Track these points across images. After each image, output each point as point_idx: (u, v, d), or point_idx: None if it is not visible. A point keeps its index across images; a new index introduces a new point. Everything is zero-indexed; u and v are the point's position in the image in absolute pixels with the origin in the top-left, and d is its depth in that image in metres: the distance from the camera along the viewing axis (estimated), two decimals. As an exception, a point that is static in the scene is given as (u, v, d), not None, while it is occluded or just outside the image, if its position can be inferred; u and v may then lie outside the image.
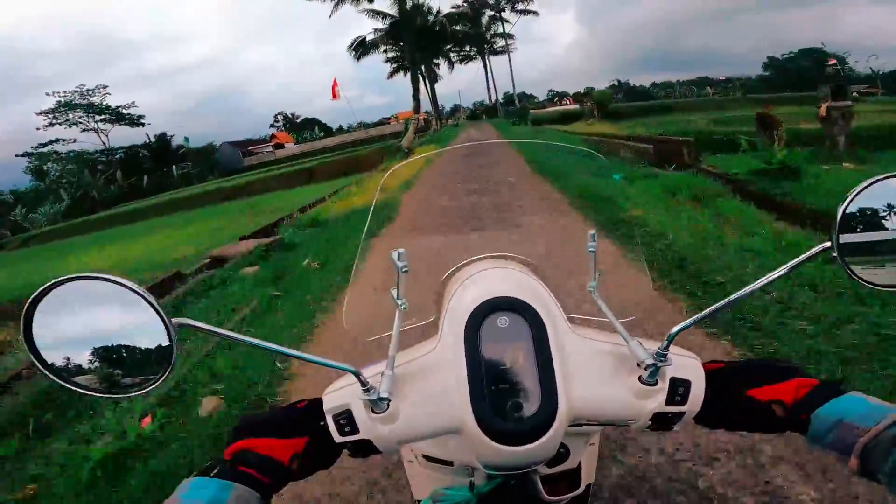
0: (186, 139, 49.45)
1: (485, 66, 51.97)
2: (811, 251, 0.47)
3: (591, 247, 0.74)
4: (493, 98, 54.14)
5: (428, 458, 0.69)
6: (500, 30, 45.45)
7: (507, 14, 43.46)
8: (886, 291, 0.48)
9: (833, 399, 0.46)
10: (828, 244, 0.47)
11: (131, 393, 0.48)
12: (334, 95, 26.95)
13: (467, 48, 48.46)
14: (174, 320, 0.45)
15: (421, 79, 42.67)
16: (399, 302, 0.71)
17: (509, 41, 44.96)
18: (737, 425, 0.52)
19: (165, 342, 0.45)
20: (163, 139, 46.19)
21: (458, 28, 43.69)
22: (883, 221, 0.47)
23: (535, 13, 42.35)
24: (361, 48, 39.36)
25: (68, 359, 0.46)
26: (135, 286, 0.43)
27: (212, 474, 0.46)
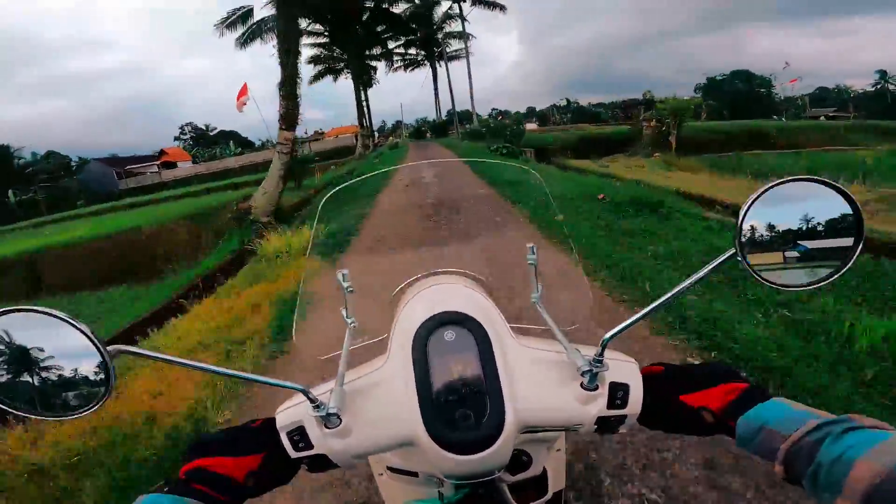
0: (35, 154, 42.09)
1: (434, 74, 45.14)
2: (721, 257, 0.54)
3: (531, 259, 0.79)
4: (444, 112, 47.00)
5: (393, 470, 0.73)
6: (458, 27, 35.62)
7: (466, 6, 32.88)
8: (789, 291, 0.59)
9: (758, 405, 0.50)
10: (733, 251, 0.53)
11: (70, 416, 0.51)
12: (239, 105, 22.15)
13: (413, 51, 42.07)
14: (111, 347, 0.49)
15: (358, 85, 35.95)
16: (348, 321, 0.78)
17: (468, 41, 34.99)
18: (673, 428, 0.59)
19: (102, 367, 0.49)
20: (-1, 152, 37.92)
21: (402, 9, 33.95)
22: (780, 225, 0.53)
23: (502, 7, 31.65)
24: (246, 29, 18.76)
25: (9, 386, 0.49)
26: (72, 319, 0.47)
27: (166, 490, 0.49)
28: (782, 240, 0.54)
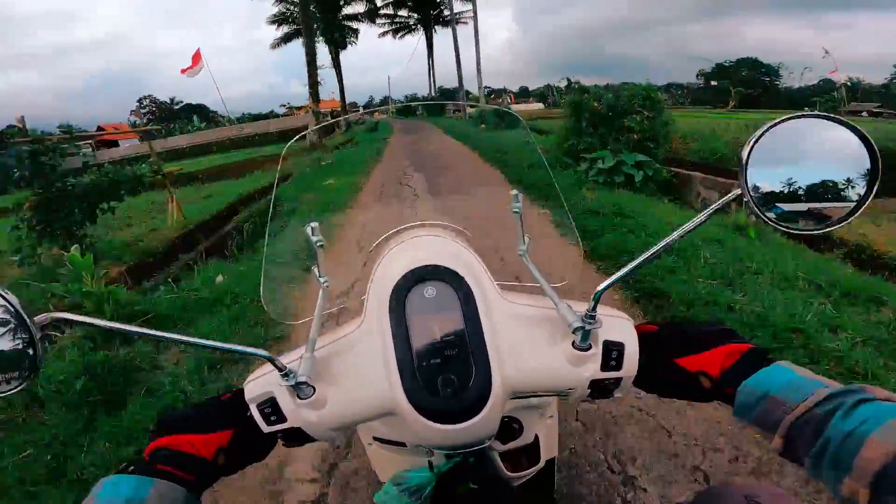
0: None
1: (429, 42, 40.49)
2: (724, 198, 0.53)
3: (516, 207, 0.78)
4: (438, 87, 43.71)
5: (380, 441, 0.72)
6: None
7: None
8: (799, 234, 0.59)
9: (761, 370, 0.48)
10: (739, 191, 0.51)
11: None
12: (192, 65, 21.40)
13: (404, 13, 38.09)
14: (40, 316, 0.46)
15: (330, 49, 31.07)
16: (321, 280, 0.74)
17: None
18: (669, 393, 0.58)
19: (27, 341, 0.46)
20: None
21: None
22: (788, 163, 0.52)
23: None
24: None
25: None
26: None
27: (130, 471, 0.48)
28: (791, 180, 0.53)
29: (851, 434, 0.38)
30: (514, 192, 0.78)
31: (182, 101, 68.34)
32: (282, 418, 0.54)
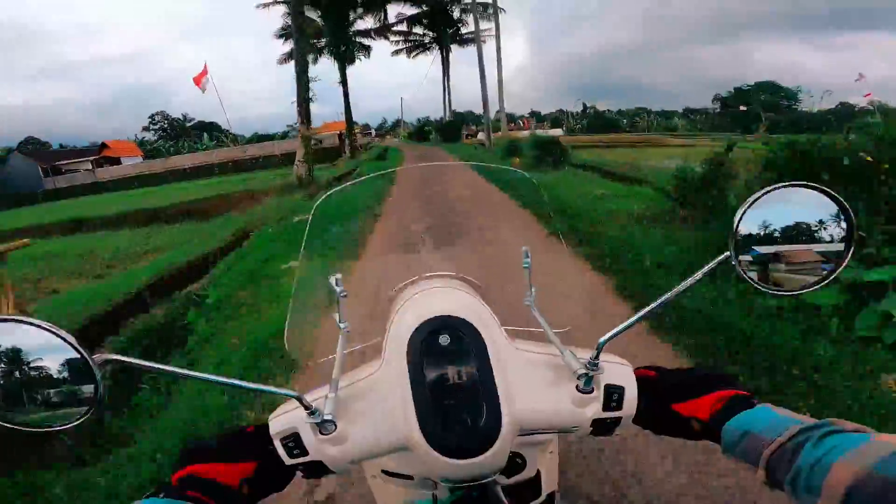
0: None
1: (444, 61, 38.46)
2: (715, 261, 0.59)
3: (526, 263, 0.87)
4: (451, 109, 40.26)
5: (387, 473, 0.77)
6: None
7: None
8: (781, 295, 0.61)
9: (744, 412, 0.54)
10: (728, 254, 0.58)
11: (56, 428, 0.54)
12: (198, 82, 21.77)
13: (419, 31, 36.70)
14: (98, 357, 0.51)
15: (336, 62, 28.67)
16: (341, 325, 0.82)
17: (497, 14, 27.58)
18: (664, 432, 0.64)
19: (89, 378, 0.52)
20: None
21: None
22: (775, 229, 0.58)
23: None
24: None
25: None
26: (57, 329, 0.49)
27: (162, 496, 0.52)
28: (776, 244, 0.59)
29: (820, 461, 0.43)
30: (525, 248, 0.86)
31: (194, 119, 67.51)
32: (304, 452, 0.60)
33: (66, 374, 0.52)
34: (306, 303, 0.95)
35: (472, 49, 27.05)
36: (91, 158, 45.59)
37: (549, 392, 0.62)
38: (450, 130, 33.01)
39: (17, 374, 0.52)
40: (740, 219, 0.58)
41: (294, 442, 0.60)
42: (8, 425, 0.53)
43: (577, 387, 0.60)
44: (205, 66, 23.15)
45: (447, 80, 39.02)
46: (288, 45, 26.01)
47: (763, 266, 0.60)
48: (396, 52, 38.46)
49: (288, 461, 0.61)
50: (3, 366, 0.52)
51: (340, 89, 30.32)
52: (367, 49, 31.96)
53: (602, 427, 0.63)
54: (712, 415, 0.58)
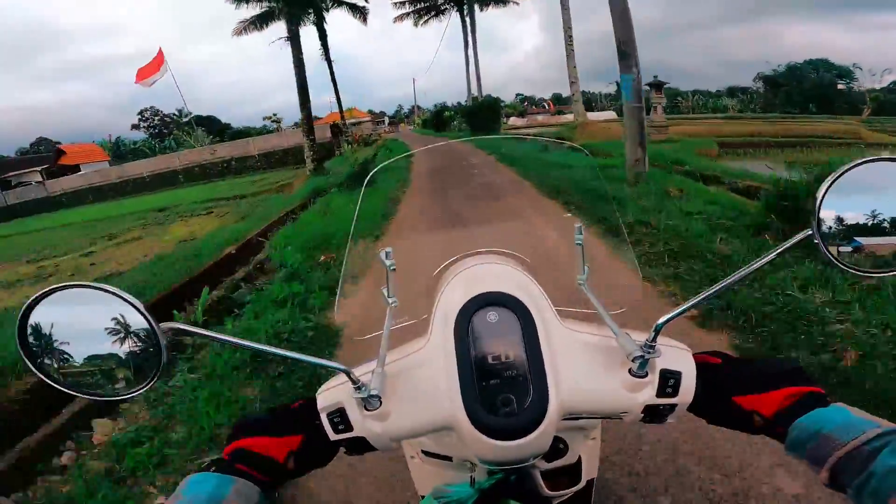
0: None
1: (466, 30, 29.16)
2: (794, 238, 0.56)
3: (578, 240, 0.85)
4: (477, 92, 30.30)
5: (427, 454, 0.79)
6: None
7: None
8: (864, 277, 0.64)
9: (816, 410, 0.52)
10: (809, 231, 0.56)
11: (122, 395, 0.58)
12: (152, 70, 18.65)
13: None
14: (163, 325, 0.54)
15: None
16: (389, 300, 0.83)
17: None
18: (720, 423, 0.62)
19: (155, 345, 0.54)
20: None
21: None
22: (863, 206, 0.56)
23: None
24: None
25: (62, 363, 0.55)
26: (125, 295, 0.52)
27: (213, 470, 0.55)
28: (861, 223, 0.57)
29: (894, 470, 0.41)
30: (578, 224, 0.85)
31: (191, 113, 58.48)
32: (349, 427, 0.62)
33: (133, 341, 0.55)
34: (356, 276, 0.97)
35: (493, 12, 20.52)
36: (40, 168, 38.94)
37: (600, 375, 0.61)
38: (481, 115, 22.40)
39: (85, 339, 0.56)
40: (824, 194, 0.55)
41: (340, 417, 0.62)
42: (74, 392, 0.56)
43: (630, 370, 0.59)
44: (159, 52, 20.23)
45: (473, 53, 29.66)
46: (246, 10, 18.32)
47: (846, 245, 0.58)
48: (399, 18, 30.21)
49: (333, 436, 0.62)
50: (68, 332, 0.55)
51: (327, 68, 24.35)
52: (360, 11, 23.66)
53: (654, 414, 0.62)
54: (780, 411, 0.56)
